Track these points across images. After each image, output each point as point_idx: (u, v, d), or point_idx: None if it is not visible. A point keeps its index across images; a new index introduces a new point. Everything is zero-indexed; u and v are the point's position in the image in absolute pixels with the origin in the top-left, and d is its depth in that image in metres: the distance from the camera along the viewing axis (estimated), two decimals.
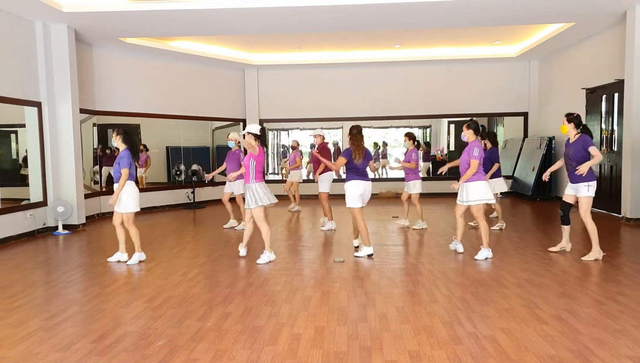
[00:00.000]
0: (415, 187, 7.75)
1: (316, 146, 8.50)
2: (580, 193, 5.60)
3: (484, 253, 5.77)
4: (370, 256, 5.94)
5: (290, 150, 10.73)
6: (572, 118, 5.70)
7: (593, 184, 5.58)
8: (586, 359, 3.07)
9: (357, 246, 6.25)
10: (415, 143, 7.82)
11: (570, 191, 5.75)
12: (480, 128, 6.11)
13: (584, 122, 9.89)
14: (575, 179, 5.61)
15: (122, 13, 7.75)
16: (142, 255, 6.02)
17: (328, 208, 8.05)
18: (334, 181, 8.71)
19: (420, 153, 9.49)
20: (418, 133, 14.05)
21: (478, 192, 5.71)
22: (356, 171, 5.97)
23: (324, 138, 8.52)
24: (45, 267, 5.87)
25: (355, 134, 6.01)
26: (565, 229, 5.98)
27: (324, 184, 8.27)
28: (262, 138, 5.84)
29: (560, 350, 3.20)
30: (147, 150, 11.23)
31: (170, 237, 7.55)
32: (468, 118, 13.13)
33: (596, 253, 5.62)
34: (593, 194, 5.59)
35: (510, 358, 3.10)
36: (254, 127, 5.80)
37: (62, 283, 5.09)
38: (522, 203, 11.07)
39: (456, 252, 6.13)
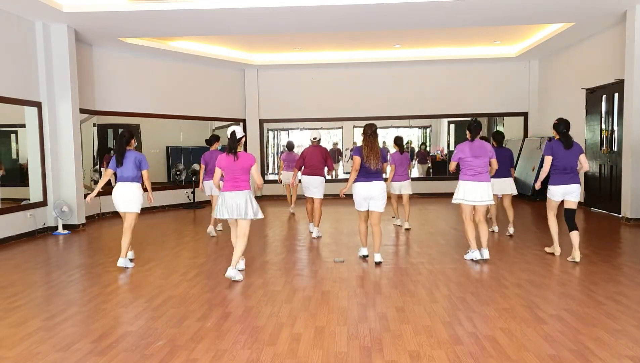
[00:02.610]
0: (409, 187, 7.97)
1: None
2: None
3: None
4: (364, 257, 5.80)
5: (286, 149, 10.67)
6: (554, 125, 5.72)
7: (549, 189, 5.74)
8: (586, 359, 3.07)
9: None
10: (402, 148, 8.02)
11: None
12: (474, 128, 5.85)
13: (583, 122, 9.99)
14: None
15: (122, 13, 7.75)
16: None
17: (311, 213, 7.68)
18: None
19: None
20: (418, 133, 14.06)
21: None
22: (364, 172, 5.51)
23: (319, 141, 7.70)
24: (45, 267, 5.87)
25: (370, 134, 5.51)
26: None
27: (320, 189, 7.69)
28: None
29: (560, 350, 3.20)
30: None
31: (170, 237, 7.55)
32: (469, 118, 13.22)
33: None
34: (550, 196, 5.75)
35: (510, 358, 3.10)
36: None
37: (62, 283, 5.09)
38: (522, 203, 11.07)
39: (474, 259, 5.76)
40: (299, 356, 3.20)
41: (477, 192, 5.56)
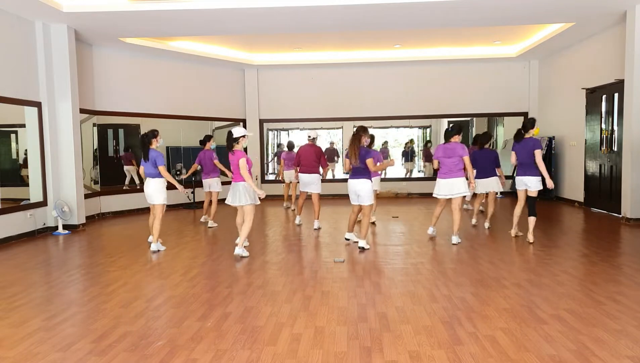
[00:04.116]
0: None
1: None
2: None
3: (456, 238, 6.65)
4: (346, 240, 6.69)
5: (287, 149, 10.78)
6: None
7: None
8: (586, 359, 3.07)
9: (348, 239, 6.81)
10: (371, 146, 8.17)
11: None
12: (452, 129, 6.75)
13: (583, 122, 10.06)
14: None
15: (122, 13, 7.75)
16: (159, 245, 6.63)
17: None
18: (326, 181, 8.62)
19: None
20: (418, 133, 14.06)
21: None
22: (352, 170, 6.31)
23: (314, 140, 8.18)
24: (45, 267, 5.87)
25: (354, 134, 6.25)
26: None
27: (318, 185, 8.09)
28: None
29: (560, 350, 3.20)
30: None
31: (170, 237, 7.54)
32: (469, 118, 13.26)
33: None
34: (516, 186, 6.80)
35: (510, 358, 3.10)
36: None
37: (62, 283, 5.09)
38: None
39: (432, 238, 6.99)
40: (299, 356, 3.19)
41: (449, 187, 6.54)
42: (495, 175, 7.77)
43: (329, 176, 13.52)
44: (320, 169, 8.04)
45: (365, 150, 6.23)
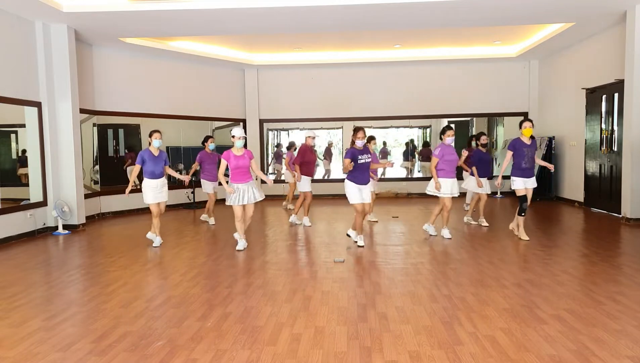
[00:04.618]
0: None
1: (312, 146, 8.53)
2: (532, 184, 6.78)
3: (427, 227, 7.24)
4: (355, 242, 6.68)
5: (286, 150, 10.83)
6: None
7: None
8: (586, 359, 3.07)
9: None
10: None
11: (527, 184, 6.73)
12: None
13: (583, 122, 10.08)
14: (531, 173, 6.76)
15: (122, 13, 7.75)
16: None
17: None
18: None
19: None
20: (418, 133, 14.06)
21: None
22: None
23: (305, 140, 8.50)
24: (45, 267, 5.87)
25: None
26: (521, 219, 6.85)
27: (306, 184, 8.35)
28: None
29: (560, 350, 3.20)
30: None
31: (170, 237, 7.55)
32: (469, 118, 13.24)
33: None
34: None
35: (510, 358, 3.10)
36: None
37: (62, 283, 5.09)
38: None
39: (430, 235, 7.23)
40: (299, 356, 3.20)
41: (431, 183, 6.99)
42: (481, 175, 7.89)
43: (326, 176, 13.57)
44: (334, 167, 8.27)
45: (348, 150, 6.44)
